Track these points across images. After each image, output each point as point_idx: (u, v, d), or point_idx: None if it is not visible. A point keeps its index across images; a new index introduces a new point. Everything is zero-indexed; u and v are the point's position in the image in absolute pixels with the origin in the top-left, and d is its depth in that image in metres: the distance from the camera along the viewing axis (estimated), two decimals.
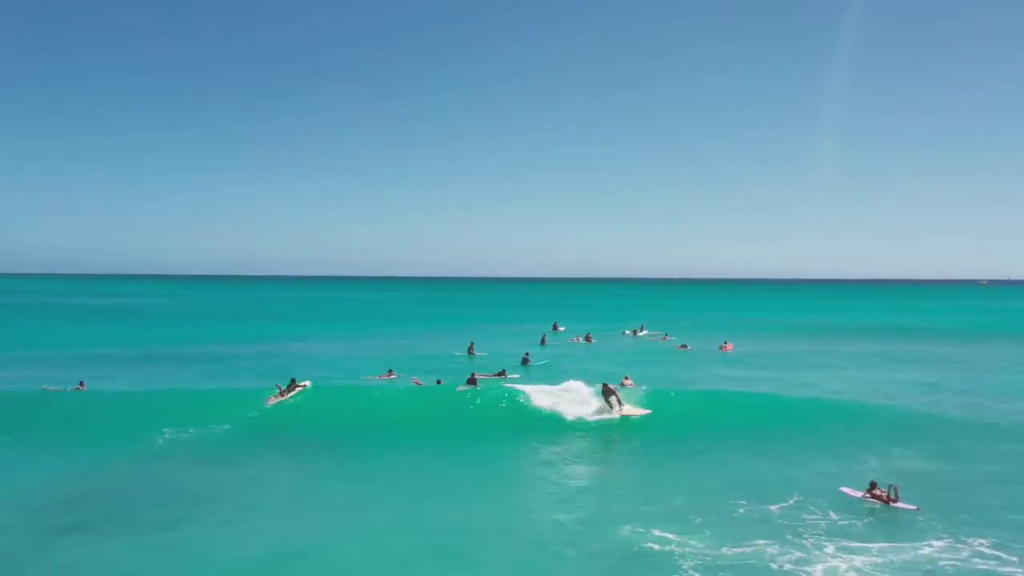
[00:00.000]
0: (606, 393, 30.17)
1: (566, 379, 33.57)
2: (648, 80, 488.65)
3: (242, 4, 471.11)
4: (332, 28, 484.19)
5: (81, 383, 34.54)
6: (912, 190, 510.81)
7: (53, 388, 34.12)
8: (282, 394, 30.61)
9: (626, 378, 35.64)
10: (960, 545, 15.97)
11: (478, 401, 30.61)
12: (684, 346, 57.96)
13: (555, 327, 73.68)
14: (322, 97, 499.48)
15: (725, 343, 57.55)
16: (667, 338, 65.06)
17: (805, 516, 17.80)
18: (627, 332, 71.17)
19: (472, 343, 52.96)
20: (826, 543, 16.10)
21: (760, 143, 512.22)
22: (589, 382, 32.18)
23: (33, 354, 49.68)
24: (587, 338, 63.37)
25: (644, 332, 69.83)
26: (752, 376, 41.22)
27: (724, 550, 15.54)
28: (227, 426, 27.22)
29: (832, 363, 48.26)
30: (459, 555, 15.45)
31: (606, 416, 29.12)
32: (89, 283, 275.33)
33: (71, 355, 48.88)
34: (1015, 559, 15.25)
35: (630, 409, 29.78)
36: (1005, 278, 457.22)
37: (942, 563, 15.08)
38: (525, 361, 46.25)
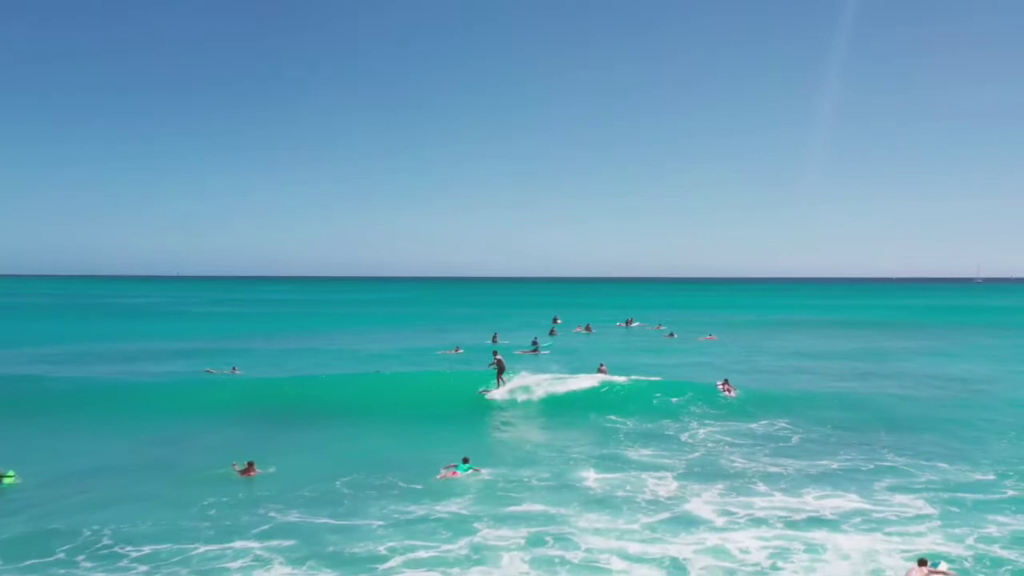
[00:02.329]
0: (499, 368, 34.16)
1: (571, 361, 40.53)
2: (650, 81, 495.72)
3: (248, 11, 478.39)
4: (344, 33, 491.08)
5: (234, 368, 40.69)
6: (910, 188, 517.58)
7: (213, 371, 40.23)
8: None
9: (602, 365, 42.64)
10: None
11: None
12: (671, 335, 65.71)
13: (555, 320, 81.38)
14: (337, 100, 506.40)
15: (710, 335, 65.23)
16: (660, 327, 72.89)
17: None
18: (620, 324, 78.96)
19: (496, 333, 61.33)
20: None
21: (760, 143, 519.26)
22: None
23: (144, 348, 54.84)
24: (587, 328, 71.08)
25: (636, 323, 77.60)
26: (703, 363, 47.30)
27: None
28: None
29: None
30: None
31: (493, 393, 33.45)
32: (90, 284, 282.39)
33: (177, 348, 54.02)
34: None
35: (501, 394, 33.49)
36: (1002, 276, 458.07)
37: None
38: (534, 344, 53.89)
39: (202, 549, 15.93)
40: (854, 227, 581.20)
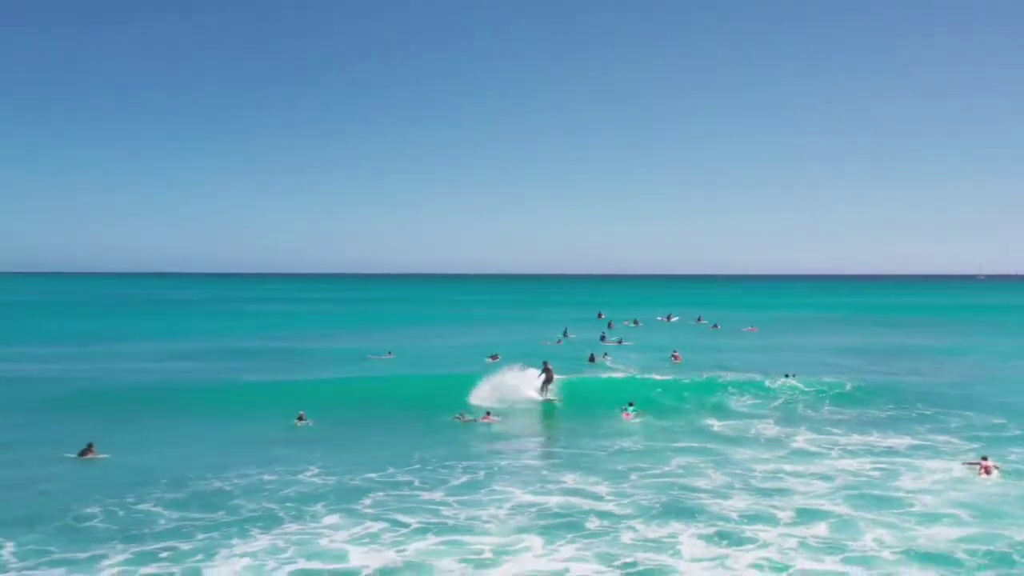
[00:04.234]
0: (546, 375, 33.86)
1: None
2: (652, 82, 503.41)
3: (254, 19, 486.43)
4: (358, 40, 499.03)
5: (389, 352, 49.28)
6: (910, 187, 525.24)
7: (371, 357, 48.75)
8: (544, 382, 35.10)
9: (675, 352, 50.56)
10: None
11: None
12: (715, 326, 74.13)
13: (600, 316, 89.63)
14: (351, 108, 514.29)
15: (751, 326, 73.67)
16: (700, 321, 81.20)
17: None
18: (660, 318, 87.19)
19: (566, 328, 68.03)
20: None
21: (761, 142, 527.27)
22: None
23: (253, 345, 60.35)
24: (635, 322, 79.34)
25: (676, 318, 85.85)
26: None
27: None
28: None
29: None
30: None
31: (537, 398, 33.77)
32: (91, 281, 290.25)
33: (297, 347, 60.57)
34: None
35: (558, 397, 34.03)
36: (1005, 273, 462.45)
37: None
38: (603, 339, 62.10)
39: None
40: (854, 225, 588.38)
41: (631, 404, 31.77)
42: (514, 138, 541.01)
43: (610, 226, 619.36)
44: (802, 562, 15.66)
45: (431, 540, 16.81)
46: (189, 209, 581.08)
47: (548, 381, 33.60)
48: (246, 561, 15.49)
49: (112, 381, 39.62)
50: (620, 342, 59.05)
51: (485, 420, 30.39)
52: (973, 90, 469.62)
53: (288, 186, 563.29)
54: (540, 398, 33.34)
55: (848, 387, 37.86)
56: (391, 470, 23.13)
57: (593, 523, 18.05)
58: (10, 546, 16.06)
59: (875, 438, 28.07)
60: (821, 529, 17.68)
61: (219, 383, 38.62)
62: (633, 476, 22.83)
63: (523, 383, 33.91)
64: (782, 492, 20.99)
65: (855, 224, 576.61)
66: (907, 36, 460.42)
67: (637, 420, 30.94)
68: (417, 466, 23.74)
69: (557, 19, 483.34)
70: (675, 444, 27.25)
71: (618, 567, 15.32)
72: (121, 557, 15.65)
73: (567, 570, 15.22)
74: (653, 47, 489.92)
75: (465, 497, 20.32)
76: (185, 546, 16.29)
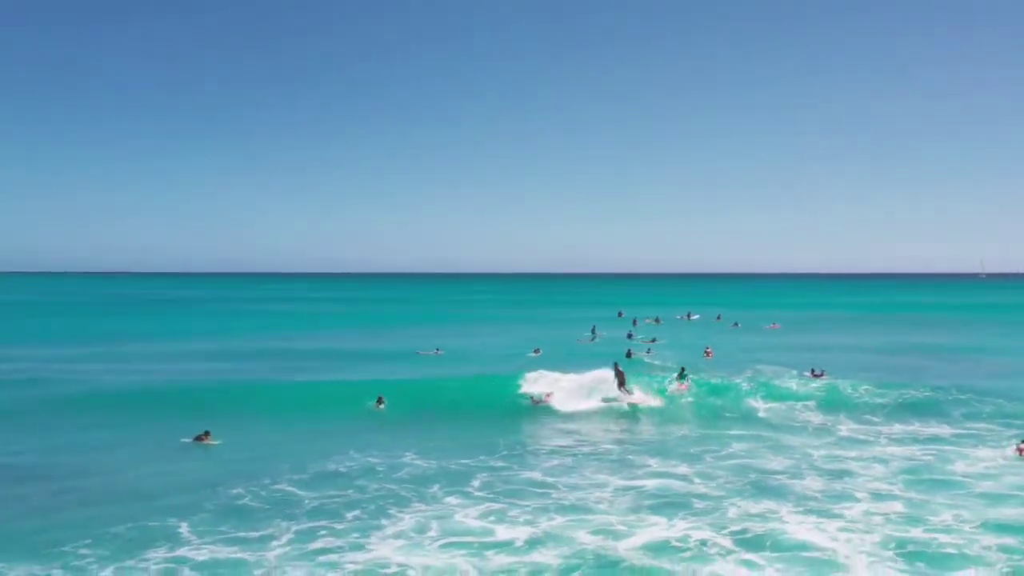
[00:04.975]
0: (619, 377, 33.90)
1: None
2: (652, 82, 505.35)
3: (254, 19, 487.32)
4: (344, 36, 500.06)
5: (437, 349, 51.50)
6: (911, 186, 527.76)
7: (420, 352, 50.70)
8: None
9: (708, 348, 52.89)
10: None
11: None
12: (736, 324, 76.24)
13: (620, 315, 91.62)
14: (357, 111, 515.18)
15: (773, 324, 75.78)
16: (719, 319, 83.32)
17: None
18: (680, 316, 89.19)
19: (595, 326, 70.18)
20: None
21: (761, 141, 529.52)
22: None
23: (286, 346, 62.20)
24: (656, 320, 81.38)
25: (695, 316, 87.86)
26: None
27: None
28: None
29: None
30: None
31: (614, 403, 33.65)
32: (92, 281, 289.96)
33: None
34: None
35: (640, 397, 33.89)
36: (1006, 271, 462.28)
37: None
38: (630, 336, 64.13)
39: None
40: (854, 225, 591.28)
41: (683, 370, 35.57)
42: (514, 138, 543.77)
43: (610, 226, 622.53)
44: (891, 531, 17.60)
45: (557, 518, 18.64)
46: (189, 209, 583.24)
47: (622, 383, 34.17)
48: (401, 542, 16.99)
49: (184, 378, 41.11)
50: (654, 340, 61.11)
51: (547, 400, 34.02)
52: (973, 90, 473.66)
53: (288, 186, 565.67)
54: (626, 400, 33.67)
55: (879, 380, 39.85)
56: (482, 456, 25.08)
57: (695, 501, 20.02)
58: (184, 526, 17.85)
59: (916, 427, 30.15)
60: (898, 506, 19.62)
61: (288, 380, 40.10)
62: (708, 459, 24.95)
63: (605, 386, 34.48)
64: (847, 474, 22.99)
65: (855, 223, 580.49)
66: (907, 36, 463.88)
67: (688, 391, 34.50)
68: (505, 452, 25.76)
69: (557, 19, 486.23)
70: (731, 431, 29.38)
71: (732, 534, 17.27)
72: (286, 536, 17.33)
73: (688, 537, 17.21)
74: (653, 47, 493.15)
75: (565, 480, 22.29)
76: (338, 525, 18.09)
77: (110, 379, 40.08)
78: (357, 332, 74.25)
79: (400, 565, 15.69)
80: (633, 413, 33.06)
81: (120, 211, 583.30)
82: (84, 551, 16.08)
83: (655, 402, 34.34)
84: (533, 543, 16.90)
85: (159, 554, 16.08)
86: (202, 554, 16.15)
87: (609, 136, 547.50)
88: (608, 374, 35.14)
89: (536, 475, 22.87)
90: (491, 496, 20.58)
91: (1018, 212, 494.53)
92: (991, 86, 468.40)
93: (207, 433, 26.50)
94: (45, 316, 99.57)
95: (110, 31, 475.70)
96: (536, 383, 36.57)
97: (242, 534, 17.40)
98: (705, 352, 51.95)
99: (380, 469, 23.26)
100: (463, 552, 16.41)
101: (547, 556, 16.08)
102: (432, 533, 17.65)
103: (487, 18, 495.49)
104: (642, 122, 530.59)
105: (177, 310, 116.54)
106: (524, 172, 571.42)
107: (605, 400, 33.89)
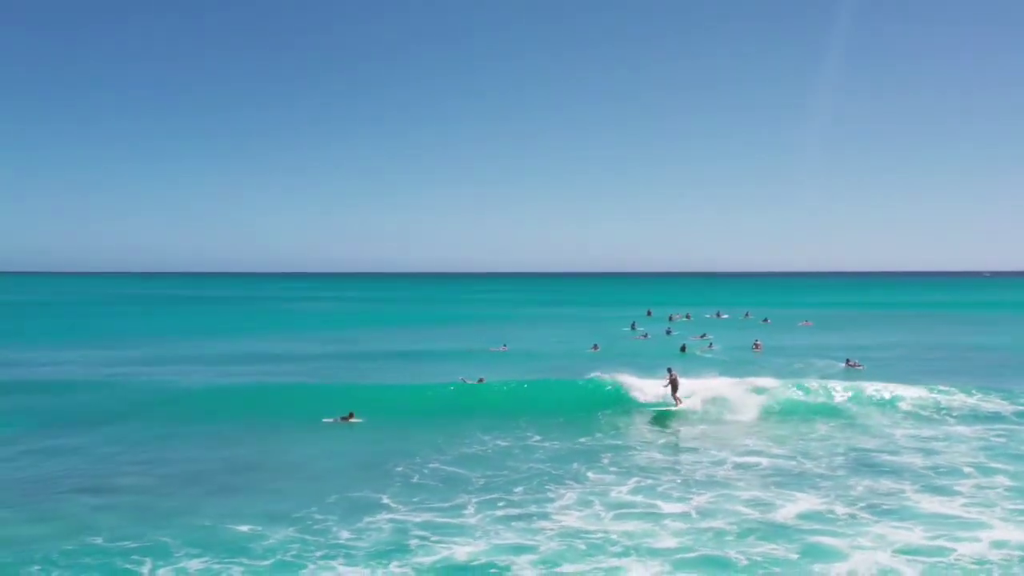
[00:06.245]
0: (672, 384, 33.21)
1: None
2: (652, 82, 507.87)
3: (254, 19, 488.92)
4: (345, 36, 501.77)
5: (504, 344, 54.53)
6: (911, 185, 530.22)
7: (491, 349, 53.51)
8: None
9: (757, 341, 55.45)
10: None
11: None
12: (766, 320, 78.84)
13: (649, 313, 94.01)
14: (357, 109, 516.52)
15: (806, 320, 78.38)
16: (748, 316, 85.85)
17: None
18: (709, 315, 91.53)
19: (634, 322, 72.74)
20: None
21: (762, 142, 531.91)
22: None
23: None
24: (687, 316, 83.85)
25: (725, 315, 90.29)
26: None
27: None
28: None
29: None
30: None
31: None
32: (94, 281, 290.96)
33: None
34: None
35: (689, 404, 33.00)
36: (1009, 270, 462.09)
37: None
38: (668, 333, 66.53)
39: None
40: (854, 224, 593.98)
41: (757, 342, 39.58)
42: (514, 138, 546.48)
43: (610, 225, 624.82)
44: (1010, 504, 19.53)
45: (705, 492, 20.51)
46: (189, 209, 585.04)
47: (675, 389, 33.48)
48: (578, 512, 18.57)
49: (285, 373, 43.79)
50: (704, 336, 63.50)
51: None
52: (973, 90, 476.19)
53: (288, 186, 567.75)
54: (675, 407, 33.16)
55: (923, 369, 42.45)
56: (599, 435, 28.10)
57: (814, 479, 21.98)
58: (387, 495, 20.17)
59: (976, 401, 32.75)
60: (1003, 479, 21.78)
61: (382, 376, 42.32)
62: (798, 440, 27.14)
63: (660, 392, 34.19)
64: (934, 452, 25.10)
65: (855, 223, 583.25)
66: (907, 36, 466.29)
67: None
68: (616, 436, 28.12)
69: (557, 19, 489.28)
70: (808, 417, 31.25)
71: (869, 507, 19.34)
72: (471, 507, 19.10)
73: (832, 509, 19.12)
74: (653, 47, 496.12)
75: (685, 458, 24.77)
76: (512, 497, 19.97)
77: (206, 378, 41.24)
78: (403, 331, 76.70)
79: (599, 531, 17.27)
80: (707, 408, 32.83)
81: (120, 211, 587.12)
82: (318, 516, 18.39)
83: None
84: (702, 513, 18.87)
85: (381, 517, 18.39)
86: (415, 517, 18.37)
87: (609, 136, 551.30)
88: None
89: (656, 455, 25.23)
90: (630, 474, 22.59)
91: (1017, 212, 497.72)
92: (991, 87, 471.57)
93: (351, 414, 28.70)
94: (105, 316, 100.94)
95: (110, 31, 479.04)
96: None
97: (437, 504, 19.47)
98: (754, 345, 54.48)
99: (516, 451, 25.50)
100: (640, 522, 17.97)
101: (719, 524, 18.10)
102: (599, 507, 19.27)
103: (487, 18, 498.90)
104: (642, 122, 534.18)
105: (215, 309, 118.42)
106: (524, 172, 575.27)
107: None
